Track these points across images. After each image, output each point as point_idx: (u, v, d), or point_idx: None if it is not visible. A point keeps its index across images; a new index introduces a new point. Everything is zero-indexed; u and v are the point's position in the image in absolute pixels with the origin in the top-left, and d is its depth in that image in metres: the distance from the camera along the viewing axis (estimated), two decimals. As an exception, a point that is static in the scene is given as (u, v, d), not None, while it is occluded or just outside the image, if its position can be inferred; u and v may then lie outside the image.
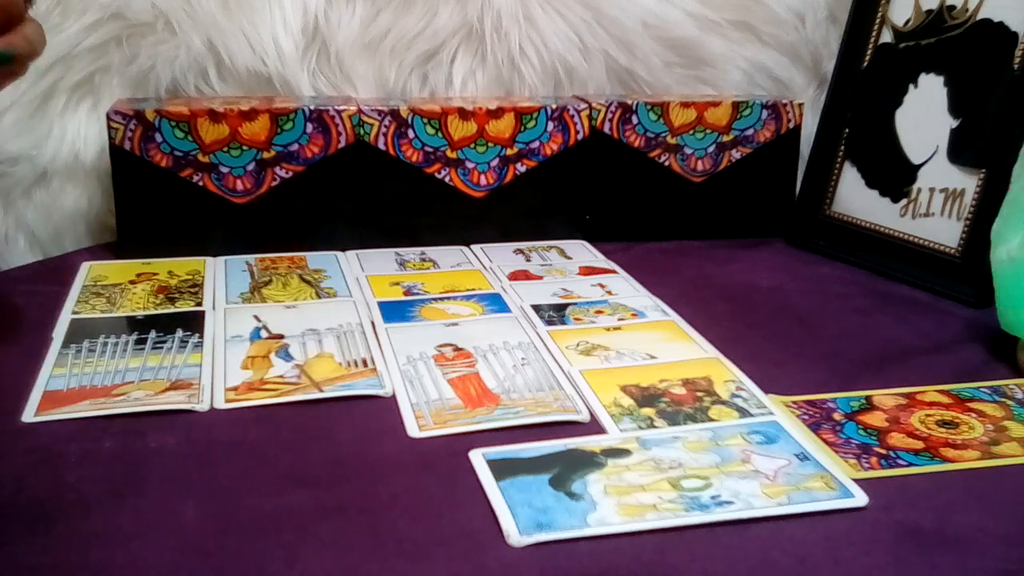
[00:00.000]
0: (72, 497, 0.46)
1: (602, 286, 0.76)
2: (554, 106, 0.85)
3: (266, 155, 0.80)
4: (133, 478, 0.47)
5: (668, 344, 0.65)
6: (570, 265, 0.82)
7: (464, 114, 0.83)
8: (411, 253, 0.83)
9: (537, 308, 0.71)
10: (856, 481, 0.48)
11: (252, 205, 0.81)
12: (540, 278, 0.78)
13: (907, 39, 0.84)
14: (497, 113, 0.84)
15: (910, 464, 0.51)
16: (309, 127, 0.80)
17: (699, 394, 0.58)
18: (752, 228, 0.92)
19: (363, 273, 0.78)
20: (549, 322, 0.68)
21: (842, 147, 0.89)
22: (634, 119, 0.87)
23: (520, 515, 0.44)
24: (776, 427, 0.54)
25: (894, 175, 0.84)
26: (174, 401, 0.55)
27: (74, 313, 0.68)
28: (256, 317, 0.68)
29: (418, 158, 0.83)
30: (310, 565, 0.41)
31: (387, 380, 0.58)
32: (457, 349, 0.63)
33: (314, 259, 0.81)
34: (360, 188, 0.83)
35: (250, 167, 0.80)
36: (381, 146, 0.82)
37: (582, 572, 0.41)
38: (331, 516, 0.45)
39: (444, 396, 0.57)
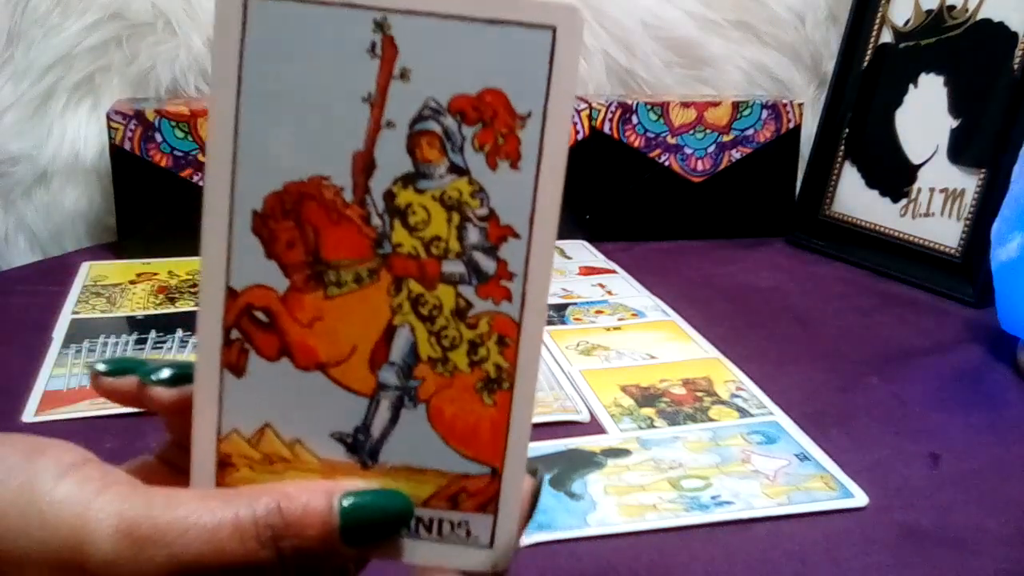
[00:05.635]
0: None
1: (602, 286, 0.76)
2: (554, 106, 0.85)
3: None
4: (133, 478, 0.47)
5: (668, 344, 0.65)
6: (570, 265, 0.82)
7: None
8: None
9: (537, 308, 0.71)
10: (855, 481, 0.48)
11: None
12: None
13: (907, 39, 0.84)
14: (497, 113, 0.84)
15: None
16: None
17: (699, 394, 0.58)
18: (752, 228, 0.92)
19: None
20: (549, 322, 0.68)
21: (842, 147, 0.89)
22: (634, 119, 0.87)
23: (520, 515, 0.44)
24: (776, 427, 0.54)
25: (894, 175, 0.84)
26: (174, 401, 0.55)
27: (74, 313, 0.68)
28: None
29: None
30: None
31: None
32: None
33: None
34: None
35: (250, 167, 0.80)
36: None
37: (582, 572, 0.41)
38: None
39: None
